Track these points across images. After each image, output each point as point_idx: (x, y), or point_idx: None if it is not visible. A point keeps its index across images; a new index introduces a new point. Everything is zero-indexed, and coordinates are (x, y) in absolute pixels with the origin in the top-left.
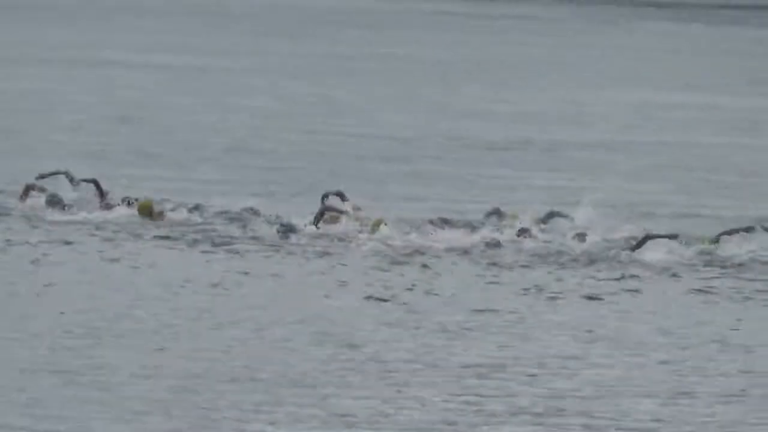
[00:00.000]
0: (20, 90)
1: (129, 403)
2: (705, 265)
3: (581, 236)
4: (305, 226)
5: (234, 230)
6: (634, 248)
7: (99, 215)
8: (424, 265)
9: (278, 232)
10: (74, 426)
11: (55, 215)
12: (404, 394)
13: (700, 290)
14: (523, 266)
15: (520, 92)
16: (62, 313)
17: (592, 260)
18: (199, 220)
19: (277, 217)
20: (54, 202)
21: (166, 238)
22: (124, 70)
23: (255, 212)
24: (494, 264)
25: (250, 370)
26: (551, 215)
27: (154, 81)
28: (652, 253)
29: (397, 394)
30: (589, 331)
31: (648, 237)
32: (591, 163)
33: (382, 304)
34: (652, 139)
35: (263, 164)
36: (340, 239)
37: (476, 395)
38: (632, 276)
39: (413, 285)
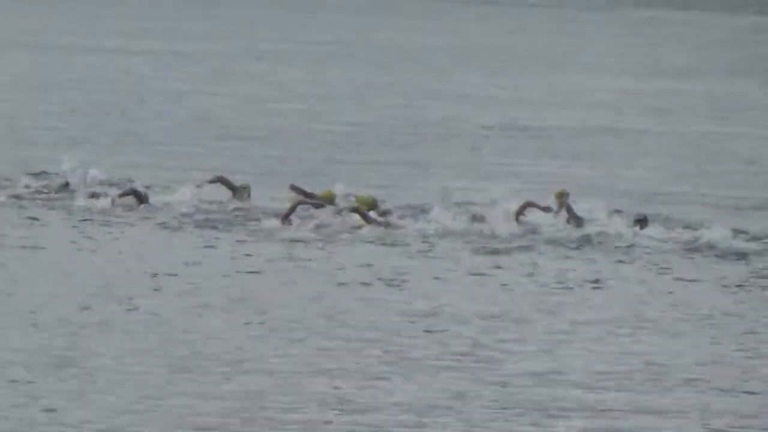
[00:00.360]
0: (12, 76)
1: (119, 392)
2: (694, 251)
3: (578, 221)
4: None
5: (228, 217)
6: (633, 226)
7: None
8: (425, 241)
9: (274, 217)
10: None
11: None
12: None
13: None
14: (518, 250)
15: (514, 78)
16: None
17: (587, 245)
18: (193, 206)
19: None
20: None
21: (160, 224)
22: (116, 56)
23: (248, 197)
24: (490, 249)
25: (241, 358)
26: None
27: (148, 67)
28: (645, 238)
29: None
30: (586, 315)
31: (641, 220)
32: (585, 149)
33: (379, 287)
34: (647, 126)
35: (257, 151)
36: (333, 226)
37: (468, 383)
38: (625, 261)
39: (409, 269)
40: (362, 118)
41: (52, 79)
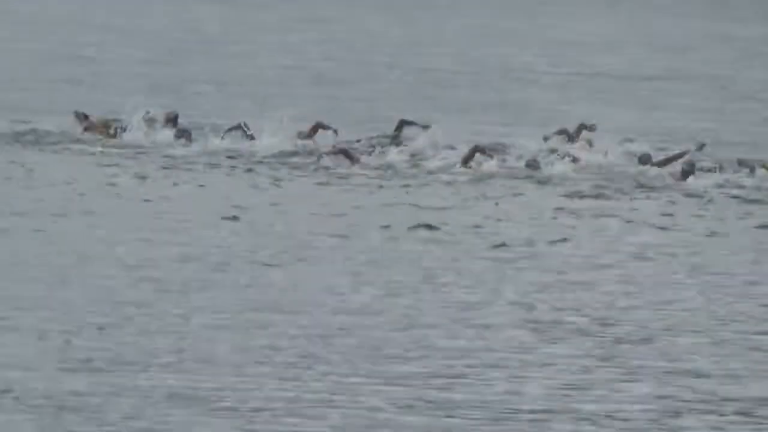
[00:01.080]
0: (91, 21)
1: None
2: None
3: (645, 156)
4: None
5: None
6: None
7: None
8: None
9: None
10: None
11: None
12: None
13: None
14: (574, 194)
15: (597, 21)
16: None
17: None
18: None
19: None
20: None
21: (248, 169)
22: (200, 3)
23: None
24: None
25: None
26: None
27: (235, 13)
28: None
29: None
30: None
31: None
32: (637, 94)
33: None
34: (703, 71)
35: (342, 96)
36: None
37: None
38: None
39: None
40: (450, 63)
41: (135, 26)
